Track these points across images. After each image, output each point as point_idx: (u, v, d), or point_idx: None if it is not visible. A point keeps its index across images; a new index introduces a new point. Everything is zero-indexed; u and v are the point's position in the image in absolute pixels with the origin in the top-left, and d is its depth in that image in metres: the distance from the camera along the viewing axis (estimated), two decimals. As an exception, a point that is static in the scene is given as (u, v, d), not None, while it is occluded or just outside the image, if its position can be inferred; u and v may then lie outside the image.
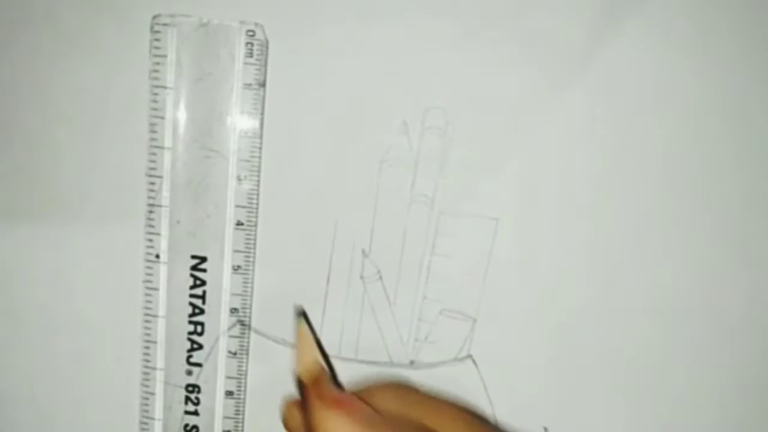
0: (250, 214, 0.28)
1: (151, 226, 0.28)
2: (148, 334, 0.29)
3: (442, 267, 0.29)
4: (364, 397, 0.23)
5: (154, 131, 0.28)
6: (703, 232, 0.28)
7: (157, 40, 0.27)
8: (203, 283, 0.29)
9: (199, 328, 0.29)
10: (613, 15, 0.27)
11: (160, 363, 0.29)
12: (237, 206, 0.28)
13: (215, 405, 0.30)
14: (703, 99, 0.27)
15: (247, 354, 0.30)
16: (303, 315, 0.27)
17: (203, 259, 0.29)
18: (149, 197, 0.28)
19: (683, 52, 0.27)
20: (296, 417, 0.24)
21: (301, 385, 0.24)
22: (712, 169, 0.28)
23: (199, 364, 0.29)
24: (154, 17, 0.27)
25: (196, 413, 0.30)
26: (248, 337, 0.29)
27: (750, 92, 0.27)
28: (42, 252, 0.29)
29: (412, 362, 0.30)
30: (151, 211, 0.28)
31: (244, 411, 0.30)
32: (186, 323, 0.29)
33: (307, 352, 0.24)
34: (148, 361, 0.30)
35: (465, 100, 0.27)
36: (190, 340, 0.29)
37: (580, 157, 0.28)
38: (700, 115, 0.27)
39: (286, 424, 0.25)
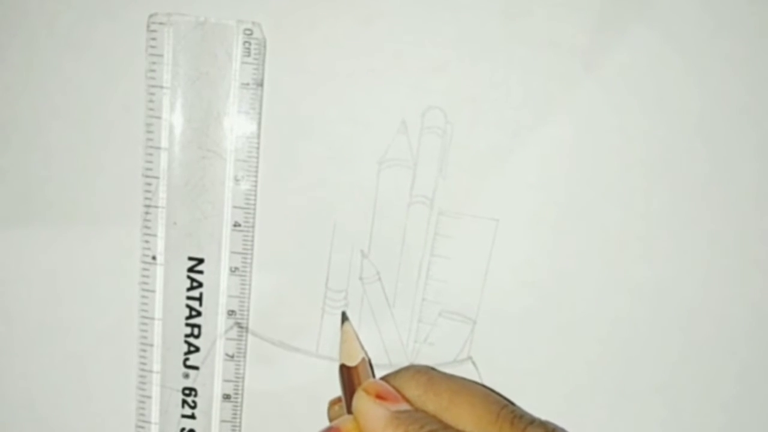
0: (248, 215, 0.28)
1: (148, 228, 0.28)
2: (144, 337, 0.29)
3: (442, 268, 0.29)
4: (391, 383, 0.25)
5: (150, 131, 0.27)
6: (707, 232, 0.28)
7: (153, 39, 0.27)
8: (200, 285, 0.29)
9: (195, 331, 0.29)
10: (614, 16, 0.26)
11: (156, 366, 0.29)
12: (234, 207, 0.28)
13: (212, 408, 0.30)
14: (705, 100, 0.27)
15: (245, 357, 0.29)
16: (345, 316, 0.28)
17: (200, 261, 0.28)
18: (146, 198, 0.28)
19: (686, 53, 0.27)
20: (337, 411, 0.26)
21: (344, 372, 0.26)
22: (714, 169, 0.28)
23: (195, 367, 0.29)
24: (151, 16, 0.27)
25: (192, 417, 0.30)
26: (246, 340, 0.29)
27: (753, 93, 0.27)
28: (37, 253, 0.29)
29: (411, 364, 0.29)
30: (147, 212, 0.28)
31: (241, 414, 0.30)
32: (183, 326, 0.29)
33: (351, 345, 0.27)
34: (144, 364, 0.29)
35: (464, 100, 0.27)
36: (186, 342, 0.29)
37: (581, 158, 0.28)
38: (701, 116, 0.27)
39: (330, 418, 0.27)
